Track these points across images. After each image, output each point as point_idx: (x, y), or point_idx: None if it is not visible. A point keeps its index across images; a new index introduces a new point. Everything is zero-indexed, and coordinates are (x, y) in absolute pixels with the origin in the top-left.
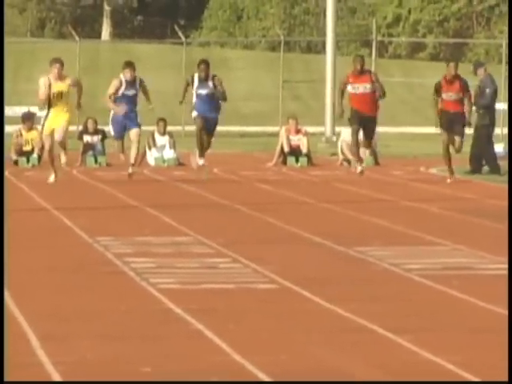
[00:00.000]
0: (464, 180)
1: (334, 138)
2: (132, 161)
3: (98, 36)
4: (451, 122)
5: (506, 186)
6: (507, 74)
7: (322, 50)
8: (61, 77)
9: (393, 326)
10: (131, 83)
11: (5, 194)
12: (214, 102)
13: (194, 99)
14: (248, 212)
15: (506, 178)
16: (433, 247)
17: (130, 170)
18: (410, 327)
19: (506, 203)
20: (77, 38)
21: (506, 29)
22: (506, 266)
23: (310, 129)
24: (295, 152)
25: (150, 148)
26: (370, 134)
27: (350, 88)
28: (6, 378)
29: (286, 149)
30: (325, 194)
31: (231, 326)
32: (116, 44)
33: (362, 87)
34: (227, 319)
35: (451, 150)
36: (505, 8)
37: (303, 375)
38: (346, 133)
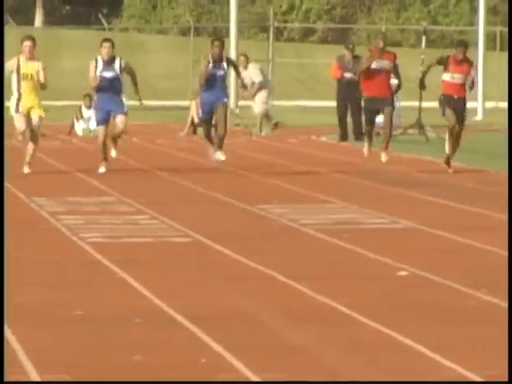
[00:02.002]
0: (351, 146)
1: (237, 111)
2: (115, 135)
3: (33, 23)
4: (454, 106)
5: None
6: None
7: (226, 34)
8: (32, 57)
9: (293, 274)
10: (109, 63)
11: None
12: (225, 83)
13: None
14: (164, 176)
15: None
16: (325, 205)
17: (113, 151)
18: (308, 275)
19: (384, 166)
20: (14, 25)
21: (384, 15)
22: (387, 220)
23: None
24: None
25: (77, 120)
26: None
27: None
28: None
29: (196, 120)
30: (230, 160)
31: (151, 275)
32: (47, 30)
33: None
34: (148, 269)
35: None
36: None
37: (215, 318)
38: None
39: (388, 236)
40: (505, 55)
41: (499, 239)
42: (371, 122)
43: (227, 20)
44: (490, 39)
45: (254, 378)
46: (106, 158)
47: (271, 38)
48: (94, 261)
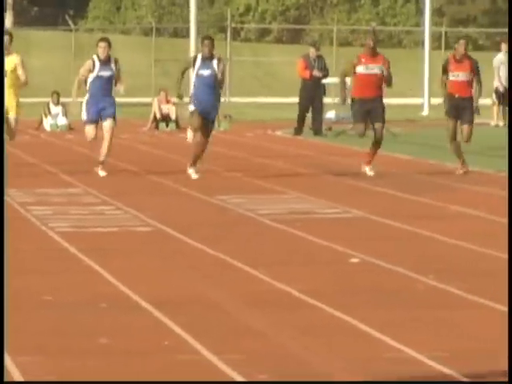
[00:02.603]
0: (305, 140)
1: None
2: (101, 158)
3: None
4: (458, 109)
5: (343, 145)
6: (335, 54)
7: (186, 34)
8: (8, 52)
9: (251, 261)
10: (105, 62)
11: None
12: (215, 87)
13: (193, 87)
14: (128, 167)
15: (345, 139)
16: (280, 196)
17: (102, 173)
18: (265, 262)
19: (341, 159)
20: None
21: (335, 16)
22: (339, 210)
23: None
24: (165, 118)
25: (46, 116)
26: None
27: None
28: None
29: (158, 116)
30: (180, 150)
31: (117, 262)
32: (17, 31)
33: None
34: (113, 256)
35: (459, 138)
36: None
37: (178, 303)
38: None
39: (339, 225)
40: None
41: (446, 228)
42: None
43: (187, 21)
44: (436, 39)
45: (214, 359)
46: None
47: (229, 38)
48: (62, 249)
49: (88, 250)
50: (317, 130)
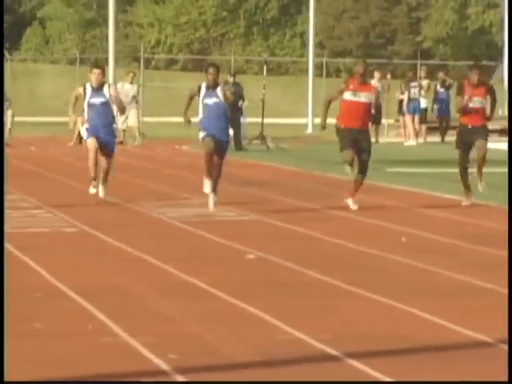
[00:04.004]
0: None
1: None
2: (103, 180)
3: None
4: (471, 138)
5: (249, 160)
6: (232, 80)
7: (105, 63)
8: None
9: (162, 256)
10: (98, 89)
11: None
12: (224, 115)
13: (201, 114)
14: (56, 177)
15: (265, 155)
16: (187, 201)
17: (102, 194)
18: (174, 257)
19: (235, 170)
20: None
21: (233, 48)
22: (236, 213)
23: None
24: None
25: None
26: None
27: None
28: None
29: (82, 134)
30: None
31: (48, 258)
32: None
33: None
34: (45, 253)
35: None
36: (239, 31)
37: (100, 292)
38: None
39: (237, 226)
40: (330, 80)
41: (328, 228)
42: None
43: (106, 52)
44: (318, 68)
45: (131, 341)
46: (95, 176)
47: (142, 67)
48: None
49: (23, 247)
50: (237, 147)
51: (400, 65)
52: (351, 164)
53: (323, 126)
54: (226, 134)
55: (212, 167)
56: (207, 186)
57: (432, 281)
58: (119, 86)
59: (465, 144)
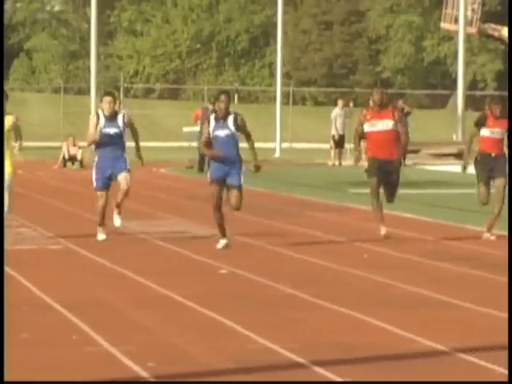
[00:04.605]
0: (181, 176)
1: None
2: (118, 200)
3: None
4: (491, 168)
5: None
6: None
7: (87, 92)
8: None
9: (143, 271)
10: (111, 118)
11: None
12: (235, 147)
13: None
14: (40, 198)
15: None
16: (161, 221)
17: (118, 223)
18: (151, 272)
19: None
20: None
21: (206, 78)
22: (208, 232)
23: (82, 143)
24: (72, 159)
25: None
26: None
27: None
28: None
29: (66, 156)
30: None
31: (35, 273)
32: None
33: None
34: (32, 269)
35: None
36: (211, 62)
37: (84, 305)
38: None
39: (210, 243)
40: (296, 108)
41: (297, 246)
42: (376, 186)
43: (89, 81)
44: (285, 96)
45: (112, 350)
46: (103, 223)
47: (121, 95)
48: None
49: (11, 263)
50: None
51: (361, 93)
52: (375, 195)
53: (358, 159)
54: (236, 167)
55: (222, 218)
56: (221, 242)
57: (392, 294)
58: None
59: (488, 172)
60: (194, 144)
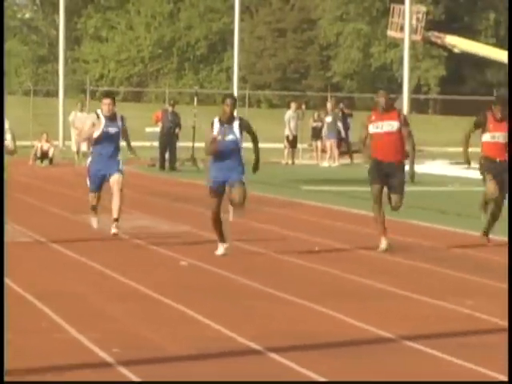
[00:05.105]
0: (144, 173)
1: (64, 148)
2: (115, 215)
3: None
4: (500, 172)
5: (194, 181)
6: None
7: (56, 95)
8: None
9: (109, 264)
10: (111, 119)
11: None
12: (238, 153)
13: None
14: (13, 194)
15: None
16: (127, 215)
17: (114, 230)
18: (119, 265)
19: (169, 188)
20: None
21: (167, 81)
22: (170, 226)
23: (56, 142)
24: (44, 156)
25: None
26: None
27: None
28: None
29: (39, 154)
30: (55, 180)
31: (8, 266)
32: None
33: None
34: (5, 262)
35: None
36: (172, 66)
37: (54, 296)
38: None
39: (171, 236)
40: (251, 110)
41: (254, 240)
42: (378, 191)
43: (57, 84)
44: (241, 99)
45: (79, 337)
46: (95, 212)
47: (88, 97)
48: None
49: None
50: (172, 167)
51: (312, 97)
52: (377, 201)
53: (366, 162)
54: (238, 174)
55: (220, 226)
56: (220, 248)
57: (344, 285)
58: (72, 115)
59: (493, 170)
60: (156, 143)
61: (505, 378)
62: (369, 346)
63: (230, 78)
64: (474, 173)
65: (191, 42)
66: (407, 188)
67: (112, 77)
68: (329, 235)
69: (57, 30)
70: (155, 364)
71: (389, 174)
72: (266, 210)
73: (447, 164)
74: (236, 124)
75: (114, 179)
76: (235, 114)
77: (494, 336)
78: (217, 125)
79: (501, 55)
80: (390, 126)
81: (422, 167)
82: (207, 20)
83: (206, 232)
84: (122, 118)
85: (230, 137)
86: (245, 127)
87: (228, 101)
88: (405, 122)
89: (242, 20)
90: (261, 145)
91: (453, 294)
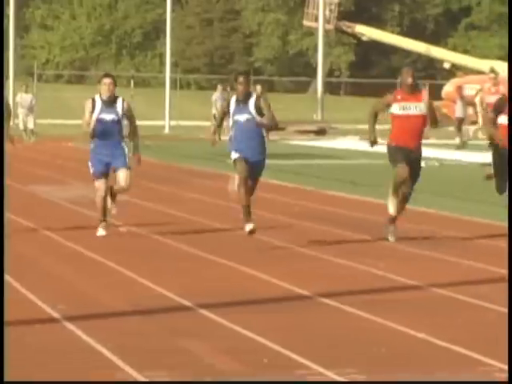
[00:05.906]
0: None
1: (14, 126)
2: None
3: None
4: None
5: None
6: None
7: (6, 78)
8: None
9: (55, 230)
10: (109, 103)
11: None
12: (258, 133)
13: (231, 132)
14: None
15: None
16: (72, 185)
17: (114, 211)
18: (65, 230)
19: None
20: None
21: (106, 66)
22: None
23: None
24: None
25: None
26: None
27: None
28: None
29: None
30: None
31: None
32: None
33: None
34: None
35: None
36: (111, 52)
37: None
38: None
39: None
40: (182, 92)
41: (190, 208)
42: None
43: (7, 69)
44: (172, 82)
45: (29, 296)
46: (105, 218)
47: (35, 81)
48: None
49: None
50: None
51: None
52: (402, 184)
53: (373, 142)
54: (260, 154)
55: (248, 193)
56: (248, 226)
57: (271, 249)
58: (18, 96)
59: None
60: None
61: (416, 334)
62: (289, 302)
63: (162, 63)
64: (382, 147)
65: (128, 30)
66: (319, 160)
67: (57, 61)
68: (254, 204)
69: (7, 19)
70: (97, 318)
71: (411, 159)
72: (195, 181)
73: (357, 140)
74: (252, 101)
75: (122, 177)
76: (251, 90)
77: (402, 293)
78: (233, 104)
79: (404, 43)
80: (419, 108)
81: (335, 143)
82: (142, 11)
83: (144, 201)
84: (124, 103)
85: (246, 116)
86: (259, 105)
87: (240, 79)
88: (430, 104)
89: (173, 11)
90: (190, 123)
91: (366, 257)
